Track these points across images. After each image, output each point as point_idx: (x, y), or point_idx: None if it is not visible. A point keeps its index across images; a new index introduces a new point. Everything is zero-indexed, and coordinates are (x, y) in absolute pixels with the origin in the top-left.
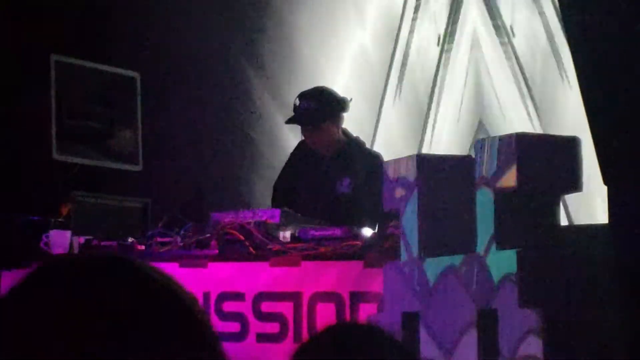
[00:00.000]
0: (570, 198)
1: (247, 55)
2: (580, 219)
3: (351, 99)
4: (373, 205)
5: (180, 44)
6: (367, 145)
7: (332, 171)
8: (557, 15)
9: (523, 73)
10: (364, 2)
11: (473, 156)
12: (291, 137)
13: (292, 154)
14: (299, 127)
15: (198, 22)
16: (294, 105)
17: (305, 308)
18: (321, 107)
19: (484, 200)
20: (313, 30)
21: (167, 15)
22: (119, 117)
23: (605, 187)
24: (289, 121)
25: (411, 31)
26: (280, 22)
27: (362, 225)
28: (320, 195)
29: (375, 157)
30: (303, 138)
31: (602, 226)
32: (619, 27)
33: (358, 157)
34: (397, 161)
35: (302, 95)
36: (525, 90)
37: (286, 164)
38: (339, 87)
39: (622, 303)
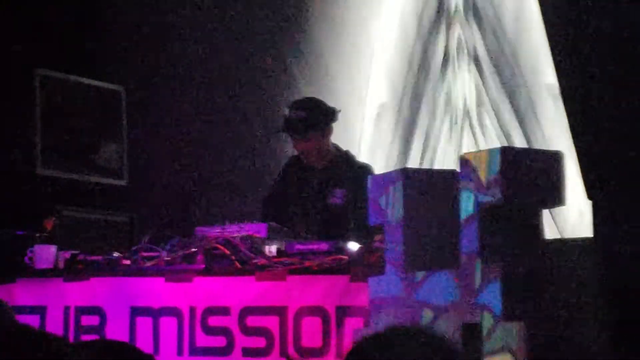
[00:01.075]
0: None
1: (233, 69)
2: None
3: (340, 110)
4: (364, 217)
5: (164, 57)
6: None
7: (323, 183)
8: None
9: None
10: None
11: (458, 170)
12: (274, 150)
13: (283, 168)
14: (288, 141)
15: (182, 35)
16: (284, 114)
17: (291, 322)
18: (311, 117)
19: (469, 214)
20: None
21: (152, 29)
22: (104, 131)
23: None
24: (279, 130)
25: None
26: (270, 31)
27: (354, 237)
28: (311, 208)
29: (365, 169)
30: (294, 152)
31: (586, 240)
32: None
33: (349, 169)
34: (382, 175)
35: (292, 105)
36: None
37: (277, 177)
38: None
39: (605, 317)
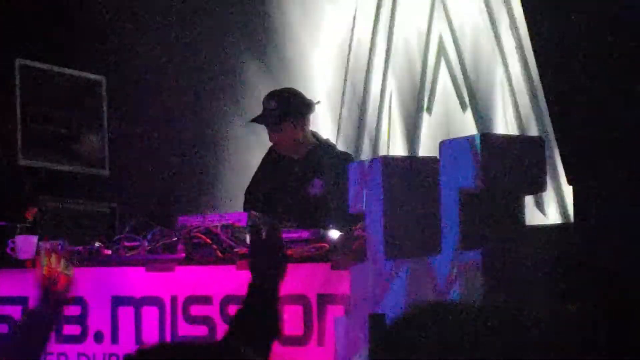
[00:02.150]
0: None
1: (214, 58)
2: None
3: (318, 102)
4: (344, 206)
5: (145, 47)
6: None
7: (302, 173)
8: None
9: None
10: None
11: (438, 157)
12: (253, 140)
13: (263, 158)
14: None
15: (163, 25)
16: (262, 105)
17: None
18: (283, 107)
19: (449, 200)
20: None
21: (133, 19)
22: (85, 122)
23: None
24: (253, 120)
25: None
26: (251, 22)
27: (334, 226)
28: (291, 198)
29: (345, 158)
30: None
31: (567, 225)
32: (582, 31)
33: (328, 158)
34: (362, 163)
35: (267, 96)
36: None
37: (258, 168)
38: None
39: (586, 301)
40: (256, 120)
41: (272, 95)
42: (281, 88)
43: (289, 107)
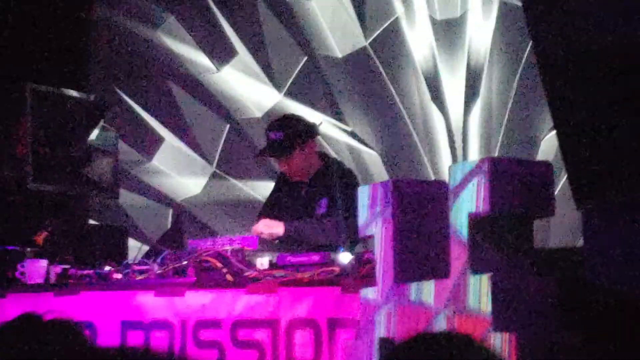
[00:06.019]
0: None
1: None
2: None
3: (321, 123)
4: (349, 223)
5: (158, 66)
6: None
7: (311, 194)
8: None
9: None
10: None
11: (447, 181)
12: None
13: (275, 182)
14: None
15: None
16: (266, 136)
17: (282, 335)
18: (289, 136)
19: (458, 224)
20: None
21: (144, 44)
22: (95, 145)
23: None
24: (260, 153)
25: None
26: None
27: (340, 244)
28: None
29: (348, 174)
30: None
31: (576, 250)
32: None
33: (335, 177)
34: (372, 186)
35: (271, 126)
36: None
37: (270, 193)
38: None
39: (595, 327)
40: (264, 153)
41: (276, 126)
42: (282, 116)
43: (295, 135)
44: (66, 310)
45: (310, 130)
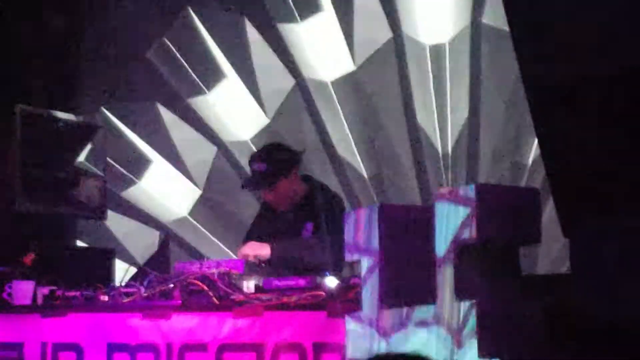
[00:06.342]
0: None
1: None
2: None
3: (303, 151)
4: (334, 247)
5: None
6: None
7: (296, 219)
8: None
9: None
10: None
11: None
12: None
13: (261, 204)
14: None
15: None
16: (250, 167)
17: (268, 359)
18: (273, 167)
19: (444, 250)
20: None
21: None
22: (83, 167)
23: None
24: (246, 185)
25: None
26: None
27: (327, 262)
28: None
29: (333, 198)
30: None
31: (563, 276)
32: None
33: (319, 201)
34: (358, 211)
35: (254, 158)
36: None
37: (255, 217)
38: None
39: (582, 353)
40: (248, 185)
41: (258, 157)
42: (264, 147)
43: (279, 165)
44: (53, 332)
45: (293, 158)
